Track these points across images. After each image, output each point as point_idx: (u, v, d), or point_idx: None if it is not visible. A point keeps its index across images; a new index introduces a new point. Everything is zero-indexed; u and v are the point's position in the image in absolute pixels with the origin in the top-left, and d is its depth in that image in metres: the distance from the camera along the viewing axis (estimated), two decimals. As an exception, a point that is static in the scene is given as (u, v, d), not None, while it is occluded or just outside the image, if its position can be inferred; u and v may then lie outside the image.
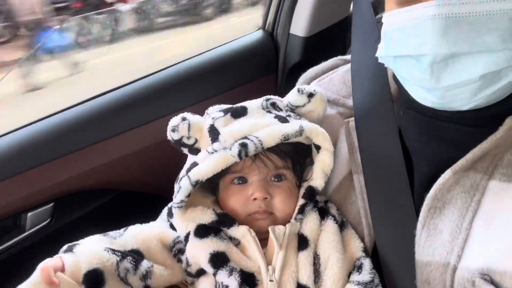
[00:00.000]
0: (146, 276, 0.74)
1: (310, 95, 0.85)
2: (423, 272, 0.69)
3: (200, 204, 0.80)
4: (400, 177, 0.77)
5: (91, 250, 0.70)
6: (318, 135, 0.81)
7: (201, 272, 0.77)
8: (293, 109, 0.86)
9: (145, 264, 0.74)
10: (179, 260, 0.78)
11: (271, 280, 0.73)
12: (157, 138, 1.15)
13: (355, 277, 0.76)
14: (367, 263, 0.77)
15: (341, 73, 0.95)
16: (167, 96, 1.22)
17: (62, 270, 0.66)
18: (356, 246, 0.79)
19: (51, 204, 1.04)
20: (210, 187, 0.85)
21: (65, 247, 0.71)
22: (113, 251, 0.72)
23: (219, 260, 0.74)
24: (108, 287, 0.69)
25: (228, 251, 0.75)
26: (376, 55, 0.72)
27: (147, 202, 1.12)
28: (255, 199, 0.78)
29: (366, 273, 0.76)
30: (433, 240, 0.69)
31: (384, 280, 0.76)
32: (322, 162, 0.82)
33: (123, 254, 0.73)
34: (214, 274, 0.74)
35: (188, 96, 1.24)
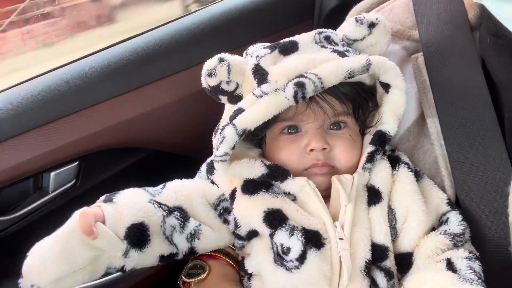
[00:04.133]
0: (193, 236, 0.65)
1: (371, 25, 0.72)
2: None
3: (246, 157, 0.69)
4: (486, 117, 0.65)
5: (135, 201, 0.62)
6: (388, 70, 0.69)
7: (252, 234, 0.67)
8: (349, 43, 0.73)
9: (192, 223, 0.65)
10: (225, 221, 0.69)
11: (340, 238, 0.63)
12: (184, 91, 1.04)
13: (442, 227, 0.65)
14: (455, 215, 0.66)
15: (404, 0, 0.81)
16: (193, 45, 1.10)
17: (102, 220, 0.58)
18: (439, 198, 0.68)
19: (76, 163, 0.94)
20: (254, 140, 0.74)
21: (103, 197, 0.63)
22: (159, 204, 0.63)
23: (276, 219, 0.64)
24: (152, 246, 0.61)
25: (285, 208, 0.65)
26: None
27: (176, 162, 1.06)
28: (311, 150, 0.67)
29: (455, 225, 0.65)
30: None
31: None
32: (392, 103, 0.70)
33: (170, 209, 0.63)
34: (271, 235, 0.64)
35: (214, 46, 1.11)
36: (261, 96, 0.65)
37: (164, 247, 0.63)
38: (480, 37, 0.69)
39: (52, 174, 0.92)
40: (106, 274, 0.61)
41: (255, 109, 0.64)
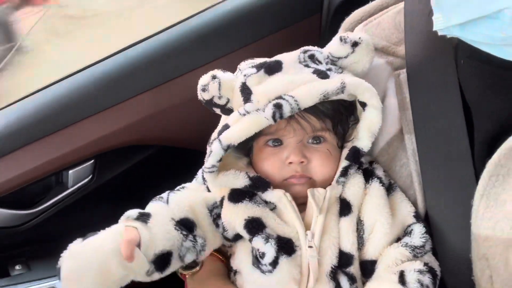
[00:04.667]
0: (200, 251, 0.73)
1: (354, 44, 0.75)
2: (480, 247, 0.62)
3: (233, 167, 0.75)
4: (459, 137, 0.68)
5: (165, 229, 0.69)
6: (364, 91, 0.72)
7: (238, 237, 0.74)
8: (334, 61, 0.76)
9: (200, 240, 0.72)
10: (217, 225, 0.75)
11: (310, 246, 0.69)
12: (195, 91, 1.09)
13: (405, 239, 0.70)
14: (418, 228, 0.70)
15: (391, 14, 0.83)
16: (202, 45, 1.14)
17: (138, 244, 0.64)
18: (407, 211, 0.72)
19: (92, 161, 1.04)
20: (243, 148, 0.79)
21: (135, 213, 0.69)
22: (181, 229, 0.70)
23: (254, 227, 0.70)
24: (170, 267, 0.69)
25: (264, 216, 0.71)
26: (434, 29, 0.61)
27: (186, 158, 1.10)
28: (290, 163, 0.72)
29: (417, 237, 0.69)
30: (494, 212, 0.61)
31: (435, 250, 0.70)
32: (368, 120, 0.73)
33: (187, 233, 0.71)
34: (250, 240, 0.71)
35: (223, 45, 1.15)
36: (244, 115, 0.70)
37: (176, 265, 0.70)
38: (457, 57, 0.70)
39: (71, 171, 1.02)
40: None
41: (238, 127, 0.70)
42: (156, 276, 0.67)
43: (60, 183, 1.04)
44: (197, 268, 0.78)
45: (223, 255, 0.80)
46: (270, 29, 1.20)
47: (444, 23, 0.59)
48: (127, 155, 1.11)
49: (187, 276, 0.80)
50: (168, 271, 0.69)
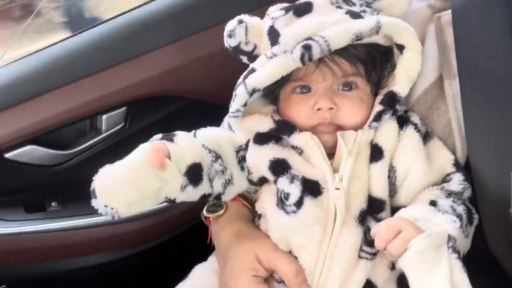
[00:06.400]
0: (228, 182, 0.72)
1: None
2: None
3: (258, 113, 0.74)
4: (508, 82, 0.63)
5: (193, 144, 0.69)
6: (401, 32, 0.68)
7: (263, 180, 0.74)
8: (369, 2, 0.72)
9: (229, 170, 0.72)
10: (242, 168, 0.75)
11: (337, 188, 0.67)
12: (223, 43, 1.08)
13: (442, 184, 0.68)
14: (458, 176, 0.68)
15: None
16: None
17: (168, 156, 0.64)
18: (446, 158, 0.70)
19: (124, 108, 1.06)
20: (270, 96, 0.78)
21: (159, 135, 0.69)
22: (209, 150, 0.70)
23: (279, 167, 0.69)
24: (202, 184, 0.68)
25: (289, 158, 0.70)
26: None
27: (214, 112, 1.12)
28: (319, 109, 0.70)
29: (455, 184, 0.67)
30: None
31: (476, 202, 0.67)
32: (407, 64, 0.70)
33: (217, 155, 0.70)
34: (275, 182, 0.70)
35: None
36: (271, 58, 0.68)
37: (207, 187, 0.69)
38: None
39: (104, 116, 1.04)
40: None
41: (264, 70, 0.67)
42: (190, 190, 0.66)
43: (94, 128, 1.06)
44: (221, 211, 0.78)
45: (249, 201, 0.80)
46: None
47: None
48: (158, 106, 1.12)
49: (211, 220, 0.80)
50: (200, 190, 0.68)
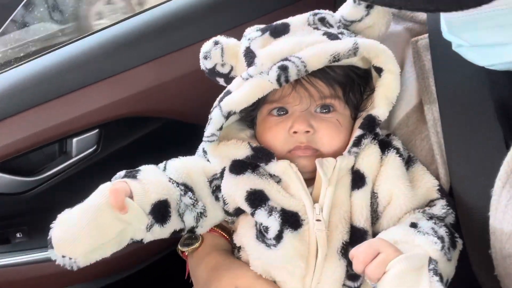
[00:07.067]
0: (201, 215, 0.69)
1: (369, 6, 0.70)
2: (504, 245, 0.57)
3: (235, 138, 0.71)
4: (485, 105, 0.63)
5: (158, 179, 0.65)
6: (379, 54, 0.67)
7: (240, 211, 0.71)
8: (347, 25, 0.71)
9: (201, 203, 0.69)
10: (217, 198, 0.72)
11: (318, 220, 0.64)
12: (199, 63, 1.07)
13: (424, 208, 0.66)
14: (441, 202, 0.66)
15: None
16: (209, 16, 1.09)
17: (130, 196, 0.61)
18: (430, 183, 0.68)
19: (96, 130, 1.02)
20: (247, 120, 0.75)
21: (122, 172, 0.66)
22: (177, 183, 0.67)
23: (256, 199, 0.66)
24: (171, 222, 0.65)
25: (267, 189, 0.67)
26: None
27: (190, 133, 1.07)
28: (295, 132, 0.68)
29: (438, 208, 0.65)
30: None
31: (460, 227, 0.65)
32: (385, 87, 0.68)
33: (185, 188, 0.67)
34: (252, 214, 0.67)
35: (230, 17, 1.10)
36: (247, 79, 0.66)
37: (177, 223, 0.66)
38: None
39: (75, 140, 1.00)
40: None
41: (240, 92, 0.65)
42: (157, 229, 0.64)
43: (64, 152, 1.02)
44: (196, 244, 0.74)
45: (227, 231, 0.77)
46: (281, 2, 1.14)
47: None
48: (132, 128, 1.09)
49: (186, 254, 0.76)
50: (169, 227, 0.65)
